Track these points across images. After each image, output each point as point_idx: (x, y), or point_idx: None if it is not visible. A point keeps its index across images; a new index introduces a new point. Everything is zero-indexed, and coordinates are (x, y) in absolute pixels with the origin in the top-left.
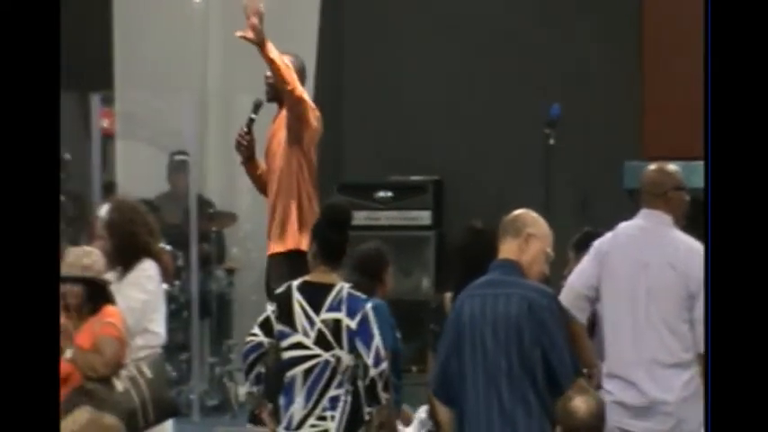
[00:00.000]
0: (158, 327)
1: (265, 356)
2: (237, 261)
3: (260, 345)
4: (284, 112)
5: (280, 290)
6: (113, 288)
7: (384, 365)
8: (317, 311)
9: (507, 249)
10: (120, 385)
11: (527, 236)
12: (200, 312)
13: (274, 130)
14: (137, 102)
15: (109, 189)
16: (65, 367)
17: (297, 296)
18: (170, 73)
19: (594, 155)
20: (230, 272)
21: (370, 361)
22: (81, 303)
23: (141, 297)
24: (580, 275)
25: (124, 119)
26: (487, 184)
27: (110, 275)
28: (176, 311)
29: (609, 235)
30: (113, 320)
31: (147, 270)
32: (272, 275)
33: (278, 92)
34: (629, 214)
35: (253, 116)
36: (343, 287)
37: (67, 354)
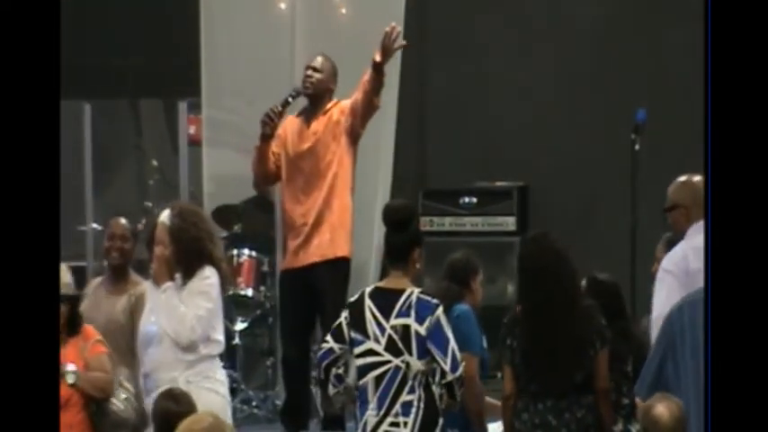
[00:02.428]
0: (220, 335)
1: (339, 361)
2: None
3: (331, 350)
4: (331, 117)
5: (353, 297)
6: (173, 295)
7: (461, 370)
8: (387, 317)
9: None
10: (118, 402)
11: None
12: None
13: (317, 131)
14: (224, 109)
15: (193, 197)
16: (64, 392)
17: (368, 303)
18: (256, 79)
19: (680, 160)
20: None
21: (447, 366)
22: (65, 323)
23: (208, 306)
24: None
25: (211, 126)
26: (573, 189)
27: (168, 284)
28: (262, 317)
29: (686, 253)
30: (100, 338)
31: (210, 277)
32: (328, 282)
33: (320, 91)
34: None
35: (290, 100)
36: (413, 292)
37: (69, 378)
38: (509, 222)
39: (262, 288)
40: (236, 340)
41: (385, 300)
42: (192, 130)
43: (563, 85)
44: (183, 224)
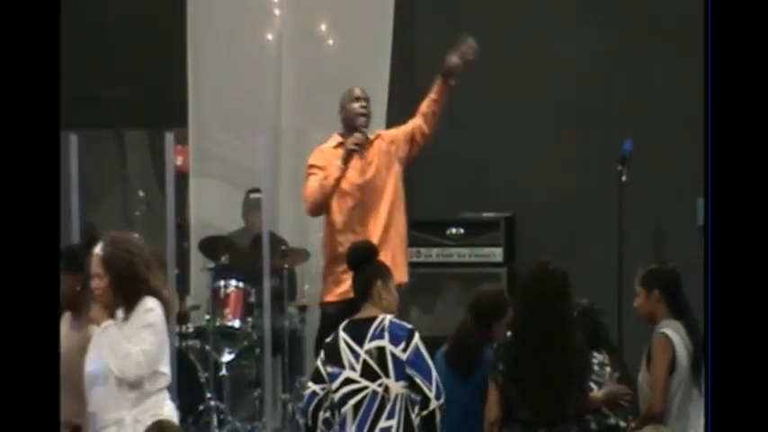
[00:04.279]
0: (166, 367)
1: (324, 404)
2: (310, 298)
3: (314, 394)
4: (380, 147)
5: (329, 338)
6: (116, 332)
7: (444, 398)
8: (361, 344)
9: None
10: None
11: None
12: (273, 349)
13: (371, 161)
14: (211, 139)
15: (179, 228)
16: None
17: (342, 335)
18: (243, 110)
19: (667, 191)
20: (302, 309)
21: (432, 393)
22: None
23: (154, 339)
24: None
25: (198, 156)
26: (560, 220)
27: (109, 321)
28: (249, 348)
29: None
30: None
31: (154, 309)
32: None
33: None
34: (702, 251)
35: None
36: (385, 317)
37: None
38: (496, 253)
39: (249, 319)
40: (223, 371)
41: (358, 329)
42: (178, 161)
43: (550, 115)
44: (115, 251)
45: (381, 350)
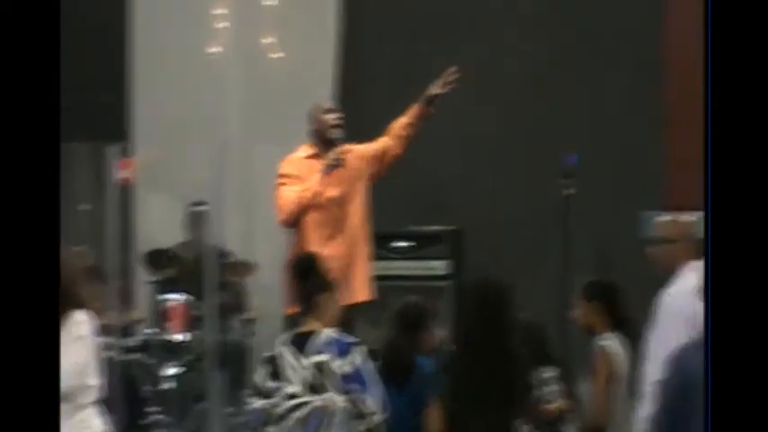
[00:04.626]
0: (96, 380)
1: (268, 417)
2: (256, 310)
3: (258, 409)
4: (350, 162)
5: (269, 352)
6: None
7: (386, 412)
8: (303, 358)
9: None
10: None
11: None
12: (218, 362)
13: (343, 176)
14: (156, 152)
15: (124, 241)
16: None
17: (283, 350)
18: (189, 122)
19: (613, 205)
20: (249, 321)
21: (375, 407)
22: None
23: (84, 352)
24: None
25: (143, 169)
26: (505, 233)
27: None
28: (194, 361)
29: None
30: None
31: (83, 322)
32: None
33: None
34: (647, 265)
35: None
36: (327, 331)
37: None
38: (441, 267)
39: (194, 332)
40: (168, 385)
41: (299, 343)
42: (123, 173)
43: (495, 129)
44: None
45: (323, 364)
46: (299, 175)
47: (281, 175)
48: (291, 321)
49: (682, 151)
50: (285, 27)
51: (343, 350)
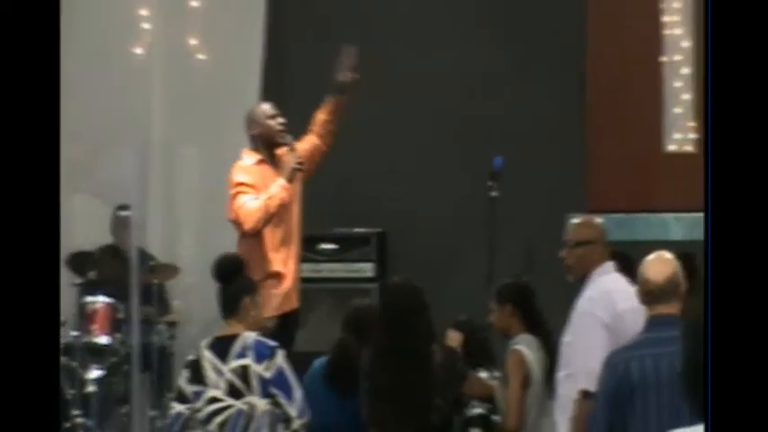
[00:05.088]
0: None
1: (190, 422)
2: (179, 314)
3: (179, 415)
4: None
5: (191, 356)
6: None
7: (307, 416)
8: (225, 362)
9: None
10: None
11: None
12: (141, 365)
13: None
14: (80, 153)
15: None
16: None
17: (205, 353)
18: (113, 124)
19: (538, 208)
20: (172, 325)
21: (295, 412)
22: None
23: None
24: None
25: (67, 170)
26: (431, 235)
27: None
28: (117, 364)
29: (612, 297)
30: None
31: None
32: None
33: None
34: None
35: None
36: (249, 335)
37: None
38: (367, 269)
39: (117, 335)
40: (91, 388)
41: (221, 347)
42: None
43: (421, 129)
44: None
45: (245, 368)
46: (255, 183)
47: (238, 184)
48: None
49: (603, 154)
50: (211, 27)
51: (265, 355)
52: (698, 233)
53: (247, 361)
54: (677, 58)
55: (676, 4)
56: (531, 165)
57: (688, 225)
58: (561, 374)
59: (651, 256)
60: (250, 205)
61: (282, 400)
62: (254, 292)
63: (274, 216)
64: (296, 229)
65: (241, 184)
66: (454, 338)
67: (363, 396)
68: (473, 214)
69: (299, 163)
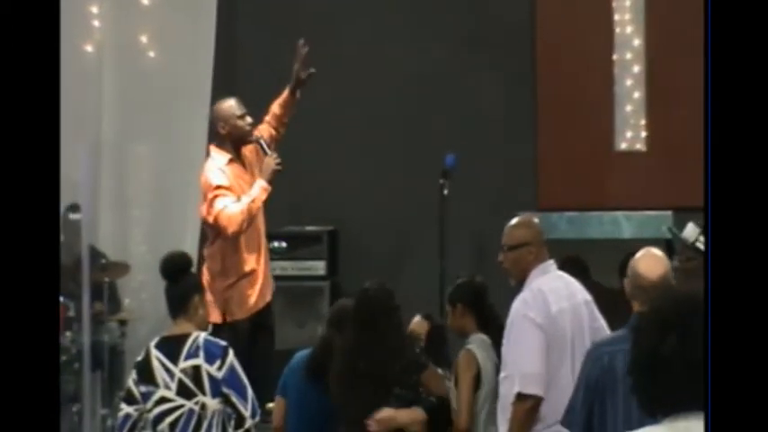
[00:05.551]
0: None
1: (138, 424)
2: (130, 312)
3: (127, 416)
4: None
5: (140, 356)
6: None
7: (259, 416)
8: (176, 362)
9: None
10: None
11: None
12: (92, 364)
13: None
14: None
15: None
16: None
17: (154, 353)
18: (63, 122)
19: (489, 205)
20: (123, 323)
21: (248, 412)
22: None
23: None
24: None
25: None
26: (383, 233)
27: None
28: (68, 363)
29: (545, 297)
30: None
31: None
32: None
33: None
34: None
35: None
36: (199, 335)
37: None
38: (319, 267)
39: (68, 333)
40: None
41: (171, 347)
42: None
43: (373, 128)
44: None
45: (197, 369)
46: (230, 184)
47: (217, 187)
48: (241, 327)
49: (554, 151)
50: (162, 25)
51: (216, 355)
52: (648, 231)
53: (198, 361)
54: (628, 56)
55: (627, 3)
56: (483, 163)
57: (639, 223)
58: (501, 375)
59: (642, 252)
60: (232, 209)
61: (235, 399)
62: (202, 291)
63: (256, 215)
64: (262, 227)
65: (219, 187)
66: (421, 325)
67: (333, 385)
68: (425, 212)
69: (279, 164)
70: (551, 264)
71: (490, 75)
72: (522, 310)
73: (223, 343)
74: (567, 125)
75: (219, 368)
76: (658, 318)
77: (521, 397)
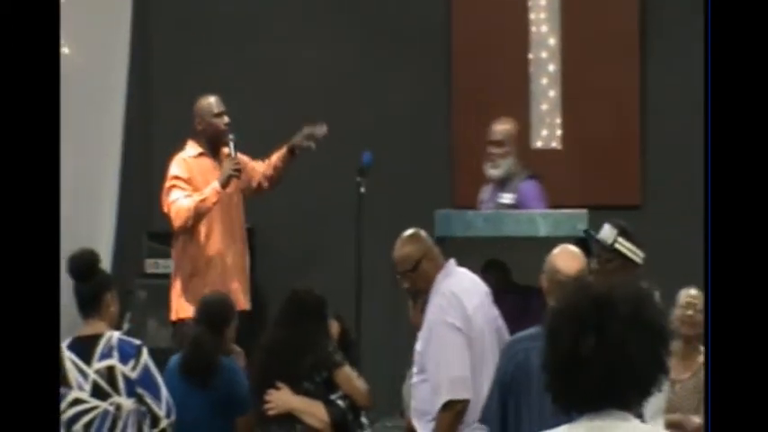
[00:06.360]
0: None
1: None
2: None
3: None
4: (251, 173)
5: None
6: None
7: (174, 415)
8: (89, 363)
9: None
10: None
11: None
12: None
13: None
14: None
15: None
16: None
17: (67, 354)
18: None
19: (406, 203)
20: None
21: (162, 412)
22: None
23: None
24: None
25: None
26: (299, 231)
27: None
28: None
29: (459, 299)
30: None
31: None
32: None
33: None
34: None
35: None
36: (112, 335)
37: None
38: None
39: None
40: None
41: (84, 347)
42: None
43: (289, 126)
44: None
45: (111, 369)
46: (190, 177)
47: (173, 177)
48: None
49: (470, 149)
50: (77, 22)
51: (130, 354)
52: (563, 229)
53: (113, 361)
54: (544, 55)
55: (542, 2)
56: (400, 161)
57: (554, 221)
58: (416, 380)
59: (559, 249)
60: (181, 204)
61: (149, 399)
62: (113, 289)
63: (204, 216)
64: (240, 232)
65: (176, 177)
66: (332, 326)
67: (251, 382)
68: (342, 210)
69: (236, 170)
70: (452, 263)
71: (406, 72)
72: (440, 316)
73: (137, 342)
74: (483, 123)
75: (134, 368)
76: (575, 317)
77: (450, 404)
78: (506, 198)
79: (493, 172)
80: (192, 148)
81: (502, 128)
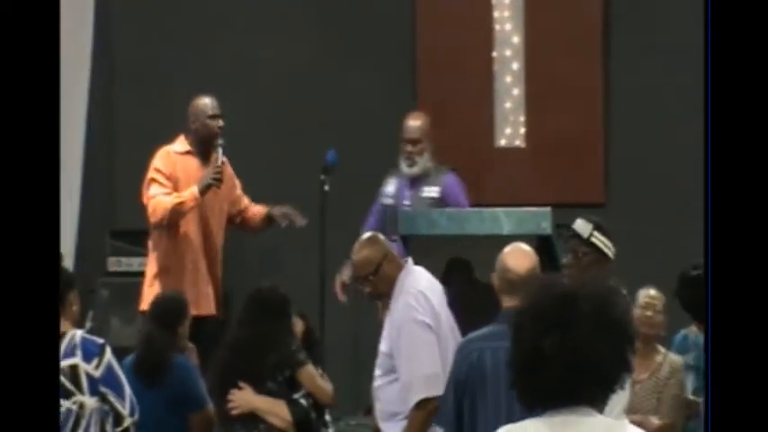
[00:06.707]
0: None
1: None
2: None
3: None
4: (228, 173)
5: None
6: None
7: (137, 414)
8: None
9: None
10: None
11: None
12: None
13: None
14: None
15: None
16: None
17: None
18: None
19: (370, 202)
20: None
21: (126, 411)
22: None
23: None
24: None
25: None
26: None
27: None
28: None
29: (426, 297)
30: None
31: None
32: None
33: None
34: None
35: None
36: (75, 333)
37: None
38: None
39: None
40: None
41: None
42: None
43: (252, 123)
44: None
45: (74, 368)
46: (172, 172)
47: (155, 170)
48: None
49: (434, 147)
50: None
51: (93, 353)
52: (526, 227)
53: (76, 360)
54: (508, 53)
55: (506, 0)
56: (364, 159)
57: (518, 219)
58: (380, 382)
59: (510, 247)
60: (159, 200)
61: (113, 398)
62: (75, 287)
63: (180, 218)
64: (219, 238)
65: (158, 171)
66: (296, 325)
67: (211, 381)
68: (305, 208)
69: (216, 179)
70: (409, 261)
71: (371, 70)
72: (409, 315)
73: (100, 340)
74: (447, 121)
75: (97, 366)
76: (539, 314)
77: (423, 402)
78: (430, 191)
79: (409, 170)
80: (180, 144)
81: (415, 124)
